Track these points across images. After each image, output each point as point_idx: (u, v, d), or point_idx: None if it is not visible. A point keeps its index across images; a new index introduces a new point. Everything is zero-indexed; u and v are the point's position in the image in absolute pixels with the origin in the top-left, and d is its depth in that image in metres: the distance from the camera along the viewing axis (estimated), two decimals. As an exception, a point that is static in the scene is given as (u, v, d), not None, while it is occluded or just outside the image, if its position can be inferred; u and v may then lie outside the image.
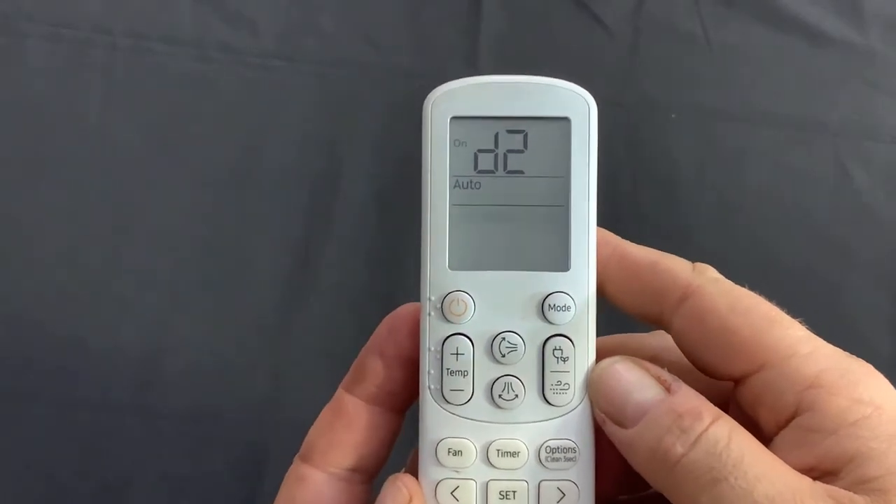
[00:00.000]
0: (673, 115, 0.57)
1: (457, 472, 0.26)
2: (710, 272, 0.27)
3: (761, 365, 0.24)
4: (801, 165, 0.57)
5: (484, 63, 0.57)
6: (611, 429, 0.25)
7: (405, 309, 0.28)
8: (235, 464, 0.53)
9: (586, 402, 0.26)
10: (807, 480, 0.22)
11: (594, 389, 0.26)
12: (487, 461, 0.26)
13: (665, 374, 0.25)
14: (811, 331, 0.25)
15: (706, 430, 0.23)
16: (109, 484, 0.53)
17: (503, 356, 0.26)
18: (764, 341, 0.25)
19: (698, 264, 0.27)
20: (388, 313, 0.28)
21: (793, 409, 0.24)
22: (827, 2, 0.58)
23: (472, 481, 0.26)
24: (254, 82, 0.58)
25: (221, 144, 0.57)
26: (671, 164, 0.57)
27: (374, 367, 0.27)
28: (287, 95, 0.58)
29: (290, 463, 0.28)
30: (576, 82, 0.27)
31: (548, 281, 0.26)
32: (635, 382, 0.25)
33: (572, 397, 0.26)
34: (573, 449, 0.26)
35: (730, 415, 0.24)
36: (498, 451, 0.26)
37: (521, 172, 0.27)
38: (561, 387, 0.26)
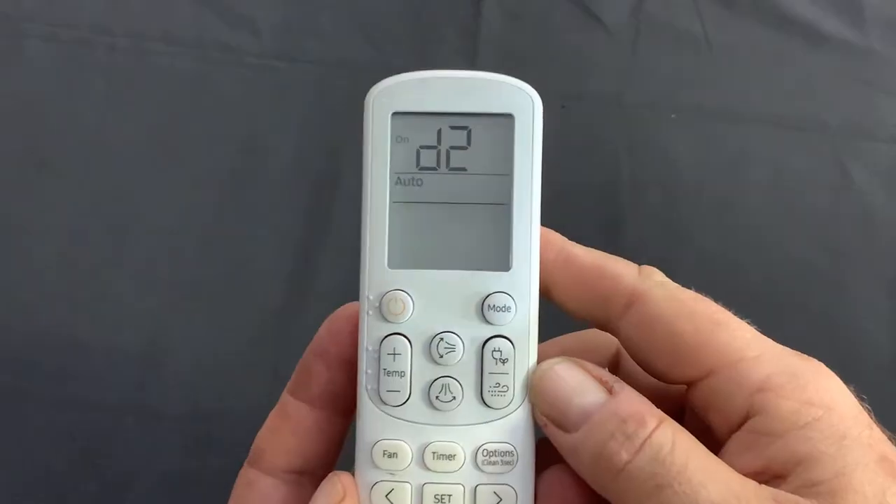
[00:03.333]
0: (673, 116, 0.57)
1: (392, 474, 0.26)
2: (657, 275, 0.26)
3: (710, 370, 0.24)
4: (801, 165, 0.57)
5: (484, 63, 0.57)
6: (552, 432, 0.25)
7: (345, 310, 0.27)
8: (235, 464, 0.53)
9: (526, 405, 0.26)
10: (752, 484, 0.22)
11: (534, 392, 0.25)
12: (423, 464, 0.25)
13: (606, 375, 0.25)
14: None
15: (650, 435, 0.23)
16: (109, 484, 0.53)
17: (441, 357, 0.25)
18: (710, 346, 0.24)
19: (644, 267, 0.26)
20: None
21: (744, 413, 0.24)
22: (827, 2, 0.58)
23: (407, 484, 0.26)
24: (254, 82, 0.58)
25: (221, 144, 0.57)
26: (671, 165, 0.56)
27: (316, 370, 0.27)
28: (287, 96, 0.57)
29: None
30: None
31: (488, 281, 0.25)
32: (576, 386, 0.24)
33: (511, 400, 0.25)
34: (511, 453, 0.25)
35: (686, 418, 0.24)
36: (434, 453, 0.25)
37: (464, 170, 0.26)
38: (499, 389, 0.25)
